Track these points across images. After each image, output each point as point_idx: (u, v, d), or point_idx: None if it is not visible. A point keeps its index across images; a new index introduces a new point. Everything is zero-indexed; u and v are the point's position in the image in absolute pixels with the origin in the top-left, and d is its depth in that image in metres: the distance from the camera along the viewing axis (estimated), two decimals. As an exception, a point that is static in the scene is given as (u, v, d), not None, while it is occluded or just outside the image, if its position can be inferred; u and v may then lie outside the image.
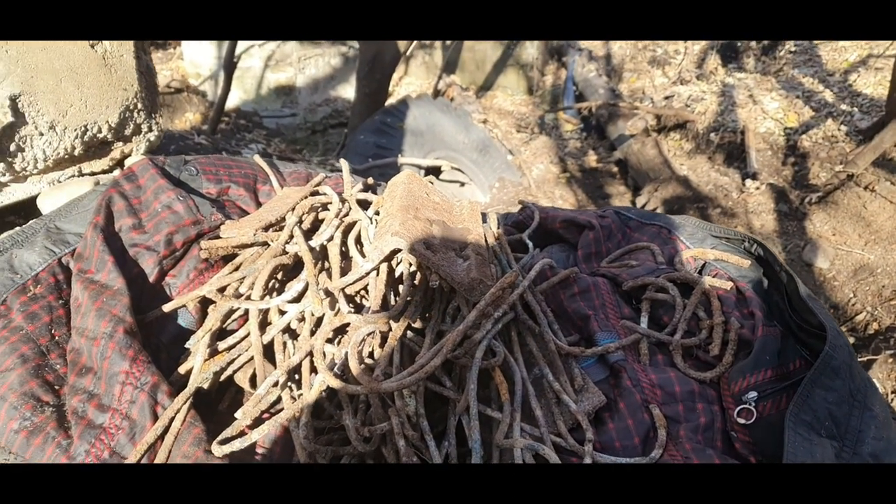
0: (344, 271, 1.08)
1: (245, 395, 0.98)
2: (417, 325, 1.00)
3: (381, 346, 0.96)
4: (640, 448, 0.91)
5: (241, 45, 6.21)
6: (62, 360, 0.90)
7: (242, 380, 0.96)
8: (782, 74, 5.56)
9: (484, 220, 1.30)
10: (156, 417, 0.83)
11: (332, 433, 0.92)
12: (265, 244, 1.10)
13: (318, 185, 1.29)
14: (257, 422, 0.88)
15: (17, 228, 1.04)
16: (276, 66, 6.87)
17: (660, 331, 1.09)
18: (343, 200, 1.24)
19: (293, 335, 1.01)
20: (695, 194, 4.30)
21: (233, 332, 1.00)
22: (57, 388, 0.87)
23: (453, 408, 0.92)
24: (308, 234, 1.14)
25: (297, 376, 0.95)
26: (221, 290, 1.02)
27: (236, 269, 1.08)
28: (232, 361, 0.96)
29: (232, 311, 1.02)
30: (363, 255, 1.12)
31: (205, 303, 1.03)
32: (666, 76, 6.36)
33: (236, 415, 0.89)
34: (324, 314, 0.98)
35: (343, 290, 1.01)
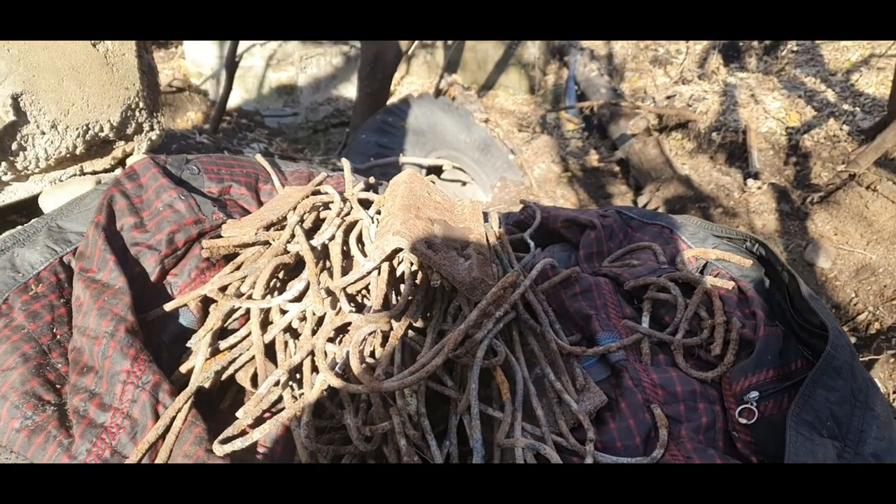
0: (345, 270, 1.08)
1: (246, 395, 0.98)
2: (419, 324, 1.00)
3: (383, 345, 0.96)
4: (642, 448, 0.91)
5: (243, 44, 6.20)
6: (63, 359, 0.90)
7: (244, 379, 0.96)
8: (784, 74, 5.55)
9: (485, 220, 1.30)
10: (157, 416, 0.83)
11: (334, 432, 0.92)
12: (266, 243, 1.10)
13: (320, 184, 1.29)
14: (258, 421, 0.88)
15: (19, 227, 1.04)
16: (277, 65, 6.87)
17: (661, 330, 1.09)
18: (344, 200, 1.24)
19: (294, 334, 1.01)
20: (696, 194, 4.29)
21: (234, 331, 1.00)
22: (58, 387, 0.87)
23: (454, 407, 0.92)
24: (309, 234, 1.14)
25: (298, 375, 0.95)
26: (223, 289, 1.02)
27: (238, 268, 1.08)
28: (233, 360, 0.96)
29: (233, 311, 1.02)
30: (364, 255, 1.12)
31: (206, 302, 1.03)
32: (668, 76, 6.36)
33: (238, 414, 0.89)
34: (325, 313, 0.98)
35: (344, 289, 1.01)
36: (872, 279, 3.21)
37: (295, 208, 1.17)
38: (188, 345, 0.99)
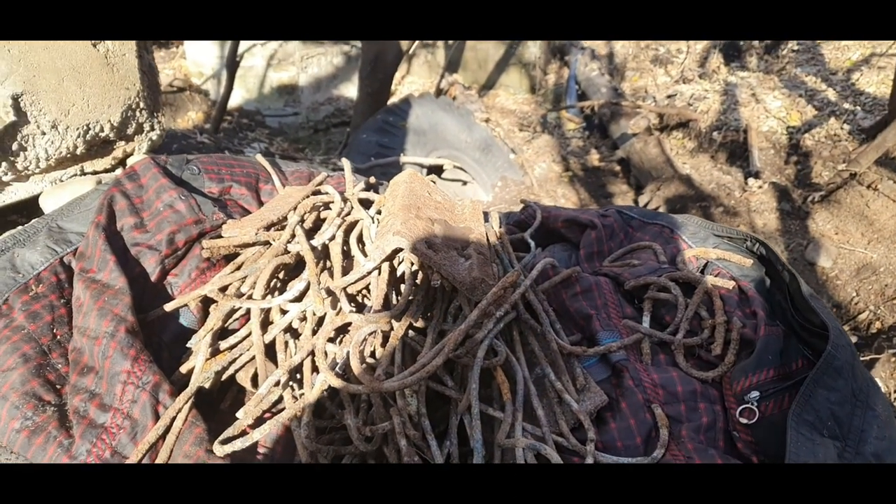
0: (346, 270, 1.08)
1: (247, 395, 0.98)
2: (419, 324, 1.00)
3: (383, 345, 0.95)
4: (642, 448, 0.91)
5: (244, 44, 6.20)
6: (64, 359, 0.90)
7: (244, 379, 0.96)
8: (785, 73, 5.54)
9: (486, 220, 1.30)
10: (157, 417, 0.83)
11: (334, 433, 0.92)
12: (267, 243, 1.10)
13: (320, 184, 1.29)
14: (259, 421, 0.88)
15: (20, 227, 1.04)
16: (278, 65, 6.87)
17: (662, 330, 1.09)
18: (345, 199, 1.24)
19: (295, 334, 1.01)
20: (697, 193, 4.29)
21: (234, 331, 1.00)
22: (58, 387, 0.87)
23: (455, 407, 0.92)
24: (310, 234, 1.14)
25: (298, 376, 0.95)
26: (223, 289, 1.02)
27: (238, 268, 1.08)
28: (233, 361, 0.96)
29: (233, 311, 1.02)
30: (365, 255, 1.12)
31: (206, 302, 1.03)
32: (668, 75, 6.35)
33: (238, 414, 0.89)
34: (325, 313, 0.98)
35: (345, 289, 1.01)
36: (873, 278, 3.21)
37: (295, 208, 1.17)
38: (188, 345, 0.99)
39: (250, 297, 1.01)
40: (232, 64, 5.38)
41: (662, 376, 0.98)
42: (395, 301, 1.04)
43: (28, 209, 1.44)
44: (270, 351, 0.98)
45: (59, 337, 0.93)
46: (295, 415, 0.86)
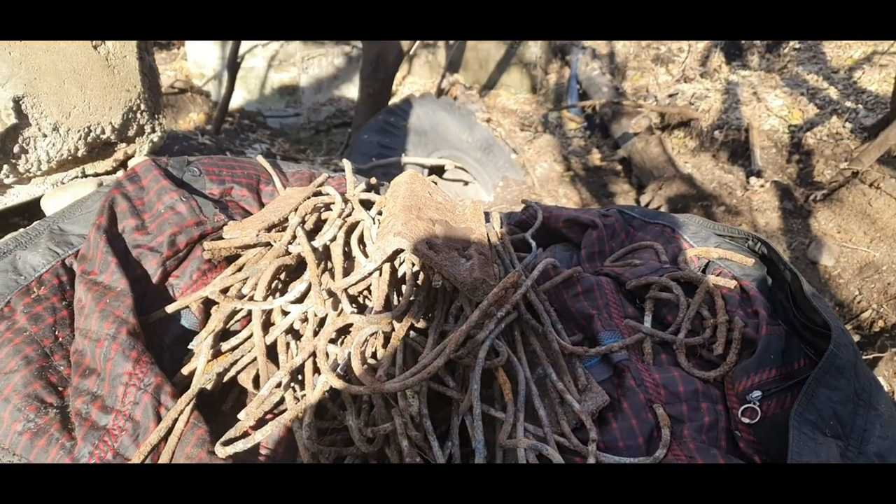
0: (347, 272, 1.08)
1: (248, 396, 0.98)
2: (420, 325, 1.00)
3: (384, 346, 0.95)
4: (644, 448, 0.91)
5: (245, 45, 6.21)
6: (66, 361, 0.91)
7: (246, 380, 0.96)
8: (786, 72, 5.53)
9: (487, 220, 1.29)
10: (159, 419, 0.83)
11: (336, 434, 0.92)
12: (268, 245, 1.11)
13: (321, 185, 1.29)
14: (261, 423, 0.89)
15: (21, 230, 1.05)
16: (279, 66, 6.87)
17: (663, 330, 1.09)
18: (346, 200, 1.24)
19: (296, 336, 1.01)
20: (699, 192, 4.29)
21: (236, 332, 1.00)
22: (61, 389, 0.87)
23: (456, 408, 0.92)
24: (311, 235, 1.14)
25: (300, 377, 0.95)
26: (224, 290, 1.02)
27: (239, 269, 1.08)
28: (235, 362, 0.96)
29: (235, 312, 1.02)
30: (366, 256, 1.12)
31: (208, 304, 1.03)
32: (669, 74, 6.35)
33: (240, 416, 0.89)
34: (327, 315, 0.98)
35: (346, 290, 1.01)
36: (876, 277, 3.21)
37: (296, 209, 1.17)
38: (190, 347, 0.99)
39: (251, 299, 1.01)
40: (233, 65, 5.38)
41: (664, 376, 0.98)
42: (396, 302, 1.04)
43: (29, 211, 1.44)
44: (272, 352, 0.98)
45: (61, 339, 0.93)
46: (296, 416, 0.86)
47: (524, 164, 5.56)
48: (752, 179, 4.26)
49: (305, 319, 1.00)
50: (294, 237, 1.10)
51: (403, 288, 1.03)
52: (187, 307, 1.01)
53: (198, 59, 7.02)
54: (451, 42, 7.09)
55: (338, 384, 0.85)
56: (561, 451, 0.87)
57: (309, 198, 1.21)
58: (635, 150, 5.13)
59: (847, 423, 0.85)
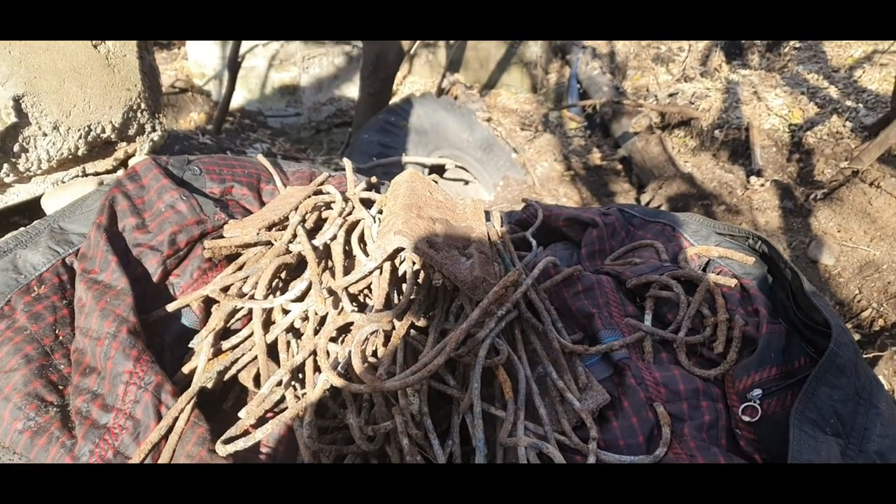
0: (347, 270, 1.08)
1: (249, 395, 0.98)
2: (421, 323, 1.00)
3: (385, 344, 0.95)
4: (645, 446, 0.91)
5: (246, 44, 6.20)
6: (66, 360, 0.91)
7: (246, 379, 0.96)
8: (787, 71, 5.53)
9: (487, 219, 1.30)
10: (160, 417, 0.83)
11: (336, 432, 0.92)
12: (268, 243, 1.11)
13: (322, 184, 1.29)
14: (261, 421, 0.89)
15: (22, 229, 1.05)
16: (280, 65, 6.87)
17: (664, 328, 1.09)
18: (346, 199, 1.24)
19: (297, 334, 1.01)
20: (699, 191, 4.28)
21: (236, 331, 1.00)
22: (61, 388, 0.87)
23: (457, 406, 0.92)
24: (311, 234, 1.14)
25: (300, 375, 0.95)
26: (225, 289, 1.02)
27: (240, 268, 1.08)
28: (236, 361, 0.96)
29: (235, 311, 1.02)
30: (366, 254, 1.12)
31: (208, 302, 1.03)
32: (670, 73, 6.34)
33: (240, 414, 0.89)
34: (327, 313, 0.98)
35: (346, 288, 1.01)
36: (876, 276, 3.20)
37: (297, 208, 1.17)
38: (190, 345, 0.99)
39: (252, 297, 1.01)
40: (234, 65, 5.38)
41: (664, 374, 0.98)
42: (396, 300, 1.04)
43: (30, 210, 1.44)
44: (272, 351, 0.98)
45: (61, 338, 0.93)
46: (297, 414, 0.86)
47: (524, 164, 5.56)
48: (753, 178, 4.26)
49: (306, 318, 1.00)
50: (294, 236, 1.10)
51: (404, 286, 1.03)
52: (188, 306, 1.01)
53: (198, 58, 7.02)
54: (452, 42, 7.08)
55: (338, 382, 0.85)
56: (561, 449, 0.87)
57: (309, 197, 1.21)
58: (636, 150, 5.13)
59: (847, 422, 0.85)
